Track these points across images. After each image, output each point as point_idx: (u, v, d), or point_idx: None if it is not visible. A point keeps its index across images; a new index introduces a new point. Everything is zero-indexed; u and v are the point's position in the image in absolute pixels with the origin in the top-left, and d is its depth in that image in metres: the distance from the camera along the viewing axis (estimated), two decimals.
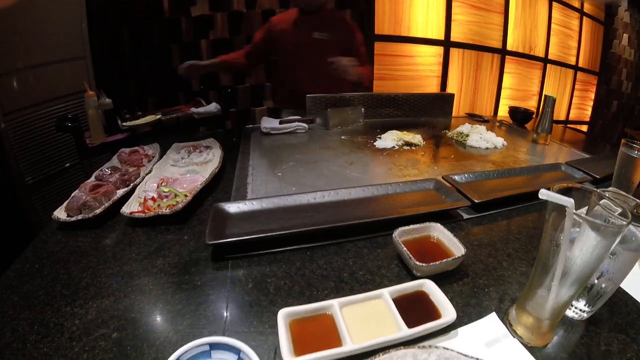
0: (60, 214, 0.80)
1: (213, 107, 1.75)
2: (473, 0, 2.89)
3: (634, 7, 3.59)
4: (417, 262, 0.60)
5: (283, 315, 0.50)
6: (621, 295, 0.60)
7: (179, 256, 0.71)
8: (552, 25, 3.36)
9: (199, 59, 2.12)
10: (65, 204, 0.83)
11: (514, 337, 0.52)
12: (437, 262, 0.61)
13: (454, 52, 2.93)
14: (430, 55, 2.87)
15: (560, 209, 0.42)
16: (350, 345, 0.46)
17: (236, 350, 0.47)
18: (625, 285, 0.59)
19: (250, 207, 0.83)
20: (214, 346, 0.47)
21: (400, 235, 0.68)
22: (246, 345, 0.46)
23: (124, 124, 1.50)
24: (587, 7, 3.52)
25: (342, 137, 1.52)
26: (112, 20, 2.13)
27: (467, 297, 0.59)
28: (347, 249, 0.73)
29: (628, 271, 0.51)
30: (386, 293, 0.55)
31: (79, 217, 0.79)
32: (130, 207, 0.83)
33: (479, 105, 3.16)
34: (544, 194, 0.42)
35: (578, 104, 3.85)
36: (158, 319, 0.56)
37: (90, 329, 0.53)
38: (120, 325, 0.54)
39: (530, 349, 0.50)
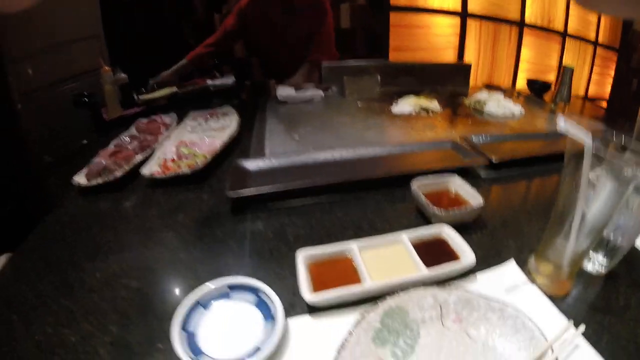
0: (80, 179, 0.81)
1: (229, 79, 1.76)
2: None
3: None
4: (436, 210, 0.61)
5: (302, 256, 0.52)
6: (638, 254, 0.60)
7: (200, 212, 0.72)
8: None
9: (212, 33, 2.09)
10: (85, 169, 0.83)
11: (532, 285, 0.52)
12: (456, 210, 0.62)
13: (471, 24, 2.85)
14: (446, 26, 2.80)
15: (579, 152, 0.42)
16: (369, 282, 0.48)
17: (255, 290, 0.48)
18: None
19: (269, 164, 0.85)
20: (233, 287, 0.48)
21: (419, 186, 0.69)
22: (265, 285, 0.48)
23: (141, 96, 1.52)
24: None
25: (359, 103, 1.52)
26: None
27: (485, 248, 0.60)
28: (365, 202, 0.74)
29: None
30: (405, 236, 0.56)
31: (99, 180, 0.79)
32: (151, 169, 0.84)
33: (497, 77, 3.09)
34: (562, 125, 0.42)
35: (597, 80, 3.73)
36: (179, 268, 0.57)
37: (111, 280, 0.54)
38: (141, 275, 0.55)
39: (550, 298, 0.50)
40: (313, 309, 0.48)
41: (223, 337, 0.43)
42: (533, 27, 3.13)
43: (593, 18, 3.45)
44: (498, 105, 1.44)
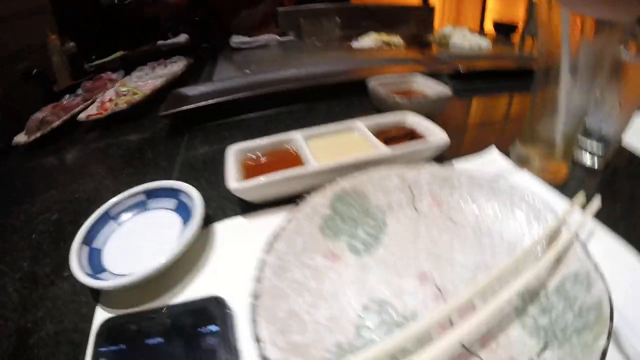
0: (19, 138, 0.71)
1: (182, 37, 1.61)
2: None
3: None
4: (397, 98, 0.49)
5: (233, 150, 0.39)
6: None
7: (135, 142, 0.62)
8: None
9: None
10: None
11: (522, 171, 0.42)
12: (421, 98, 0.50)
13: None
14: None
15: None
16: (313, 164, 0.35)
17: (175, 194, 0.37)
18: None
19: (212, 87, 0.71)
20: (150, 194, 0.38)
21: (378, 84, 0.56)
22: (185, 184, 0.36)
23: (90, 64, 1.41)
24: None
25: (317, 44, 1.41)
26: None
27: (458, 139, 0.49)
28: (318, 111, 0.63)
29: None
30: (360, 123, 0.44)
31: (38, 134, 0.69)
32: (88, 112, 0.74)
33: (463, 22, 2.98)
34: None
35: None
36: (103, 193, 0.47)
37: (32, 219, 0.47)
38: (62, 208, 0.47)
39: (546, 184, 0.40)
40: (247, 210, 0.36)
41: (133, 250, 0.34)
42: None
43: None
44: (464, 38, 1.34)
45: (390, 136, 0.43)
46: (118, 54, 1.49)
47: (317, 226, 0.29)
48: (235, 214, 0.37)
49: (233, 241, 0.34)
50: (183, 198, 0.36)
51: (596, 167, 0.45)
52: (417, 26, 1.74)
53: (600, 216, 0.32)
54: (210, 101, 0.61)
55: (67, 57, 1.31)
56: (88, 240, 0.34)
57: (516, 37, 1.65)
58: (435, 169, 0.33)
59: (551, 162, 0.41)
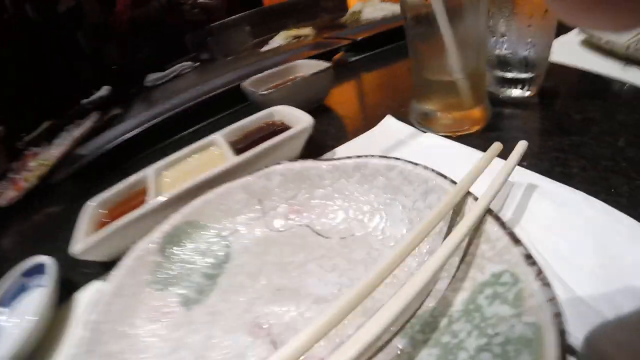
0: None
1: (104, 90, 1.49)
2: None
3: None
4: (262, 91, 0.41)
5: (89, 206, 0.31)
6: (560, 68, 0.44)
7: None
8: None
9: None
10: None
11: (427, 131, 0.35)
12: (289, 83, 0.42)
13: None
14: None
15: None
16: (153, 200, 0.27)
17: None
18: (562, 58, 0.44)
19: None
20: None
21: (250, 83, 0.48)
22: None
23: (21, 142, 1.30)
24: None
25: (228, 59, 1.34)
26: None
27: (344, 120, 0.42)
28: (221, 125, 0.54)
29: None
30: (218, 136, 0.35)
31: None
32: (7, 196, 0.65)
33: None
34: None
35: None
36: None
37: None
38: None
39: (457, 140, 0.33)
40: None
41: None
42: None
43: None
44: (375, 9, 1.29)
45: (258, 139, 0.35)
46: (45, 124, 1.36)
47: (143, 280, 0.21)
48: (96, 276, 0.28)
49: None
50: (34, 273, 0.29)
51: (527, 94, 0.39)
52: (331, 14, 1.69)
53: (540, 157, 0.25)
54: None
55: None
56: None
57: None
58: (285, 166, 0.25)
59: (459, 110, 0.34)
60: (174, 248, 0.23)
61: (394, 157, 0.23)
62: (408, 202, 0.21)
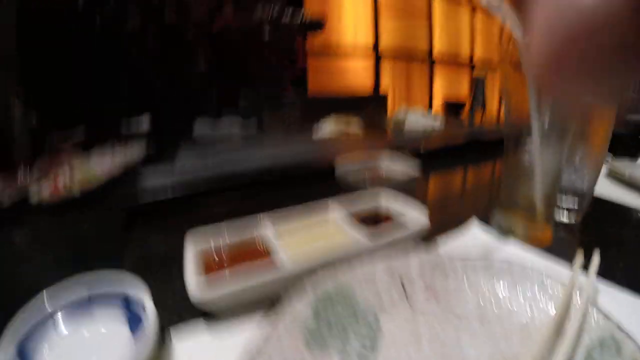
0: None
1: (145, 118, 1.61)
2: (398, 11, 3.01)
3: None
4: (369, 182, 0.47)
5: (193, 246, 0.34)
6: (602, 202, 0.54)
7: (85, 232, 0.55)
8: (476, 30, 3.60)
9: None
10: None
11: (508, 240, 0.40)
12: (390, 179, 0.48)
13: (384, 62, 2.99)
14: (361, 68, 2.90)
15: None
16: (286, 267, 0.31)
17: (121, 298, 0.30)
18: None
19: (172, 179, 0.68)
20: (95, 295, 0.31)
21: (345, 170, 0.55)
22: (136, 287, 0.30)
23: (51, 137, 1.34)
24: None
25: (278, 135, 1.44)
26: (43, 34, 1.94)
27: (435, 218, 0.47)
28: (286, 200, 0.58)
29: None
30: (334, 206, 0.41)
31: None
32: (39, 194, 0.66)
33: (413, 105, 3.22)
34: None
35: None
36: (41, 284, 0.37)
37: None
38: None
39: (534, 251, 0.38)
40: (210, 316, 0.30)
41: None
42: (442, 61, 3.37)
43: (497, 46, 3.84)
44: (417, 121, 1.42)
45: (366, 218, 0.40)
46: (79, 128, 1.39)
47: (302, 341, 0.24)
48: (195, 317, 0.30)
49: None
50: (132, 305, 0.30)
51: (573, 221, 0.46)
52: (372, 113, 1.84)
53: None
54: (170, 196, 0.57)
55: (28, 128, 1.22)
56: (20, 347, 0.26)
57: (464, 114, 1.78)
58: (424, 257, 0.30)
59: (535, 226, 0.40)
60: (328, 314, 0.26)
61: (514, 261, 0.28)
62: (526, 295, 0.26)
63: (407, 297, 0.28)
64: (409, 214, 0.40)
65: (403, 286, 0.28)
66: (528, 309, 0.26)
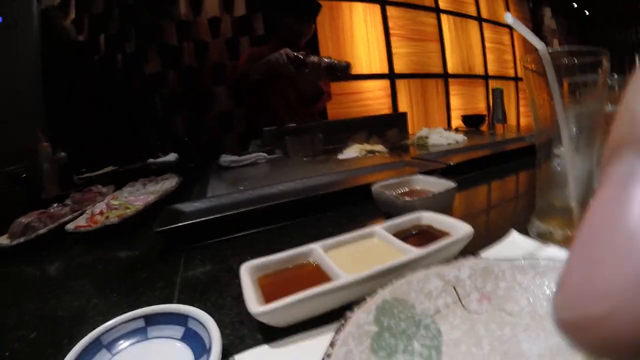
0: (1, 240, 0.69)
1: (171, 156, 1.71)
2: (409, 33, 3.08)
3: (557, 13, 3.99)
4: (407, 198, 0.50)
5: (247, 267, 0.37)
6: None
7: (125, 259, 0.58)
8: (486, 44, 3.63)
9: (154, 115, 2.11)
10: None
11: (548, 245, 0.41)
12: (429, 195, 0.50)
13: (400, 83, 3.05)
14: (378, 89, 2.96)
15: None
16: (344, 277, 0.33)
17: (181, 320, 0.32)
18: None
19: (208, 204, 0.71)
20: (152, 320, 0.33)
21: (381, 186, 0.58)
22: (194, 308, 0.32)
23: (79, 176, 1.45)
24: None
25: (305, 159, 1.47)
26: (67, 76, 2.07)
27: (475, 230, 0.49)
28: (322, 222, 0.62)
29: None
30: (378, 228, 0.43)
31: (21, 239, 0.67)
32: (76, 223, 0.72)
33: (432, 122, 3.23)
34: (510, 19, 0.35)
35: (526, 112, 4.06)
36: (90, 314, 0.41)
37: (6, 332, 0.40)
38: (41, 325, 0.41)
39: None
40: (272, 337, 0.32)
41: None
42: (456, 76, 3.41)
43: (509, 56, 3.87)
44: (441, 137, 1.44)
45: (410, 236, 0.42)
46: (108, 168, 1.55)
47: (368, 347, 0.26)
48: (256, 342, 0.32)
49: None
50: (192, 325, 0.31)
51: None
52: (393, 132, 1.87)
53: None
54: (210, 217, 0.59)
55: (57, 166, 1.32)
56: None
57: (484, 126, 1.79)
58: (473, 261, 0.32)
59: (573, 229, 0.41)
60: (389, 320, 0.28)
61: (559, 259, 0.29)
62: None
63: (460, 300, 0.30)
64: (451, 226, 0.42)
65: (455, 290, 0.30)
66: None
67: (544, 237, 0.42)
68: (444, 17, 3.32)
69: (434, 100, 3.28)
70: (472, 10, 3.56)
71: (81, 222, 0.72)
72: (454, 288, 0.30)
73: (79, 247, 0.66)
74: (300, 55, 1.64)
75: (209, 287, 0.43)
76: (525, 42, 4.11)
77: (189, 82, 2.37)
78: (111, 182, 1.14)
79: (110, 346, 0.31)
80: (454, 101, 3.40)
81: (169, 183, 1.05)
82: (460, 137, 1.44)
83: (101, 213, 0.76)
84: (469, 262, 0.31)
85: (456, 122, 3.16)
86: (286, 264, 0.39)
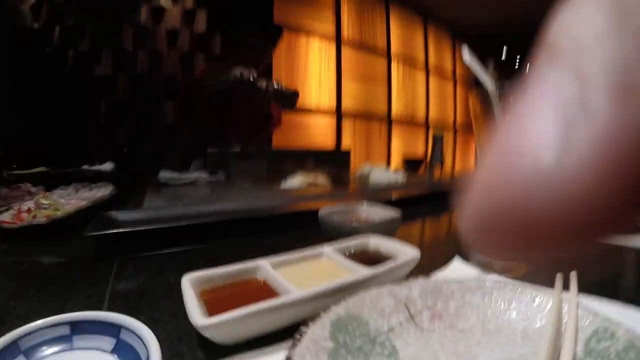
0: None
1: (108, 165, 1.64)
2: (360, 74, 3.25)
3: (500, 67, 4.45)
4: (355, 223, 0.50)
5: (189, 278, 0.34)
6: None
7: (52, 262, 0.52)
8: (430, 92, 3.93)
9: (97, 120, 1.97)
10: None
11: (489, 273, 0.43)
12: (376, 220, 0.51)
13: (346, 121, 3.17)
14: (324, 125, 3.05)
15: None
16: (295, 292, 0.32)
17: (114, 331, 0.28)
18: None
19: (145, 214, 0.66)
20: (78, 328, 0.28)
21: (327, 213, 0.58)
22: (130, 318, 0.28)
23: (9, 172, 1.34)
24: (458, 73, 4.25)
25: (246, 184, 1.44)
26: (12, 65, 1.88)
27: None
28: (266, 244, 0.60)
29: None
30: (327, 249, 0.42)
31: None
32: (1, 218, 0.64)
33: (372, 161, 3.37)
34: (466, 57, 0.39)
35: (462, 157, 4.39)
36: (5, 316, 0.35)
37: None
38: None
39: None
40: (215, 355, 0.29)
41: None
42: (400, 120, 3.62)
43: (450, 106, 4.21)
44: (381, 175, 1.49)
45: (358, 258, 0.42)
46: (40, 169, 1.46)
47: None
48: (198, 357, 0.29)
49: None
50: (125, 337, 0.27)
51: None
52: (335, 167, 1.91)
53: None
54: (148, 227, 0.55)
55: None
56: None
57: (421, 170, 1.91)
58: (423, 282, 0.32)
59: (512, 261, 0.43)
60: (344, 336, 0.27)
61: (504, 282, 0.31)
62: (520, 307, 0.29)
63: (413, 318, 0.29)
64: (398, 250, 0.42)
65: (407, 308, 0.30)
66: (523, 317, 0.29)
67: (485, 267, 0.44)
68: (394, 62, 3.57)
69: (376, 141, 3.45)
70: (420, 59, 3.87)
71: (6, 218, 0.66)
72: (406, 306, 0.30)
73: (1, 246, 0.58)
74: (253, 78, 1.65)
75: (142, 300, 0.39)
76: (465, 95, 4.53)
77: (137, 91, 2.25)
78: (41, 183, 1.04)
79: (29, 353, 0.26)
80: (395, 143, 3.59)
81: (103, 191, 0.97)
82: (400, 176, 1.51)
83: (28, 211, 0.70)
84: (419, 282, 0.32)
85: (395, 163, 3.33)
86: (232, 278, 0.36)
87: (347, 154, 2.05)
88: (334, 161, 1.97)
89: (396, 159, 3.46)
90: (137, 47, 2.24)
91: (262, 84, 1.68)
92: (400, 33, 3.65)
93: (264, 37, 1.81)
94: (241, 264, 0.38)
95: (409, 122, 3.77)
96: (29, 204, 0.74)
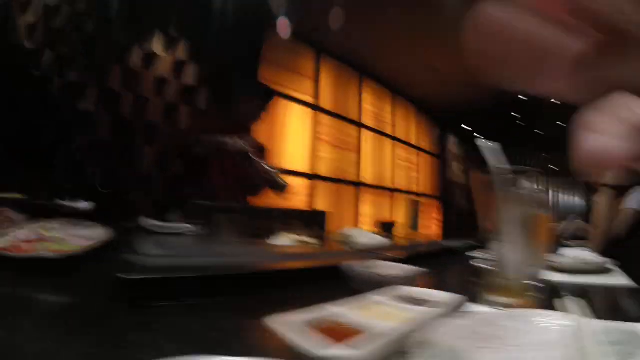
0: None
1: (82, 204, 1.56)
2: (334, 140, 3.45)
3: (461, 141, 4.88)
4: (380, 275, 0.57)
5: (279, 321, 0.38)
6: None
7: (80, 305, 0.51)
8: (397, 161, 4.21)
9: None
10: None
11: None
12: (407, 272, 0.59)
13: (319, 184, 3.30)
14: (298, 186, 3.15)
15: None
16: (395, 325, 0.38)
17: None
18: None
19: (171, 261, 0.68)
20: None
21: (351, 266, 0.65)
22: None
23: None
24: (423, 144, 4.61)
25: (234, 239, 1.45)
26: None
27: None
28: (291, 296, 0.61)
29: None
30: (379, 297, 0.49)
31: None
32: None
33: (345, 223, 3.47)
34: (481, 141, 0.51)
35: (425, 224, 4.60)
36: None
37: None
38: None
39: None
40: None
41: None
42: (369, 186, 3.81)
43: (414, 174, 4.51)
44: (365, 237, 1.57)
45: (408, 300, 0.49)
46: (16, 195, 1.39)
47: None
48: None
49: None
50: None
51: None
52: (311, 227, 1.96)
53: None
54: (187, 274, 0.57)
55: None
56: None
57: (396, 231, 2.01)
58: (475, 316, 0.40)
59: (516, 300, 0.53)
60: None
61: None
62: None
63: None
64: (433, 295, 0.50)
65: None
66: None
67: (494, 305, 0.53)
68: (364, 131, 3.84)
69: (347, 205, 3.59)
70: (389, 130, 4.21)
71: (3, 243, 0.64)
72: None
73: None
74: (250, 152, 1.71)
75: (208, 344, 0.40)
76: (431, 162, 4.90)
77: (118, 133, 2.23)
78: (18, 211, 0.98)
79: None
80: (363, 208, 3.75)
81: (99, 232, 0.94)
82: (380, 238, 1.59)
83: (29, 242, 0.68)
84: (472, 317, 0.40)
85: (368, 225, 3.46)
86: (316, 321, 0.40)
87: (323, 214, 2.12)
88: (310, 222, 2.02)
89: (364, 223, 3.61)
90: (123, 88, 2.24)
91: (260, 164, 1.74)
92: (372, 103, 4.01)
93: (257, 100, 1.92)
94: (314, 309, 0.42)
95: (377, 187, 3.98)
96: (25, 233, 0.72)
